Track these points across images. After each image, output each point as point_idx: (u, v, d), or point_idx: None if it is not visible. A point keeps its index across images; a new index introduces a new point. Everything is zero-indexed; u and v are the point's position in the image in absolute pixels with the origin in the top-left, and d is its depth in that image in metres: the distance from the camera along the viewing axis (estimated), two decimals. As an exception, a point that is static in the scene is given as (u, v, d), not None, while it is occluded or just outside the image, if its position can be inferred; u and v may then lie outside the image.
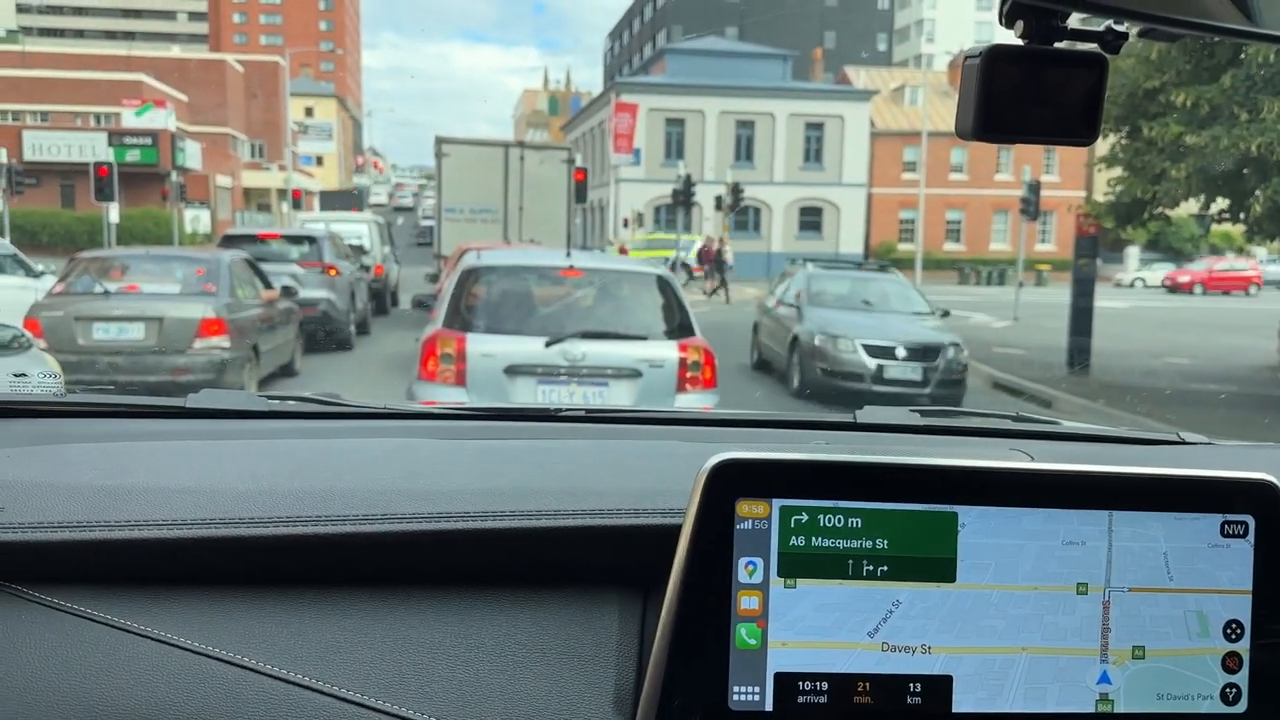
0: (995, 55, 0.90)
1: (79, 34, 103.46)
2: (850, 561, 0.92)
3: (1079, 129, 0.93)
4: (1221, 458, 1.54)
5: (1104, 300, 17.10)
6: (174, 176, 31.73)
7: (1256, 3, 0.90)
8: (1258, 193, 11.31)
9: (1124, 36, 0.91)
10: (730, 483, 0.91)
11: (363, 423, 1.57)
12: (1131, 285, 43.99)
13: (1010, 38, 0.93)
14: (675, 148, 46.22)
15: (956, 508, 0.93)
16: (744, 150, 47.40)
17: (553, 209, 19.69)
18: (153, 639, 0.92)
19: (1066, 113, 0.92)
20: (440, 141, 19.88)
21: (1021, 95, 0.91)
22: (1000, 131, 0.92)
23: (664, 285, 6.92)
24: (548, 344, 6.15)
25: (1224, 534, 0.97)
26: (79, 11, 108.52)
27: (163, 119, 41.09)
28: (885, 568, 0.93)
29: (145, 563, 0.98)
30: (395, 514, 1.01)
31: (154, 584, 0.97)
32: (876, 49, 72.94)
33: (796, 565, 0.91)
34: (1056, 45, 0.91)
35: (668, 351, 6.40)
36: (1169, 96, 11.34)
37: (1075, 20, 0.90)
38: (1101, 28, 0.91)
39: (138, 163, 37.77)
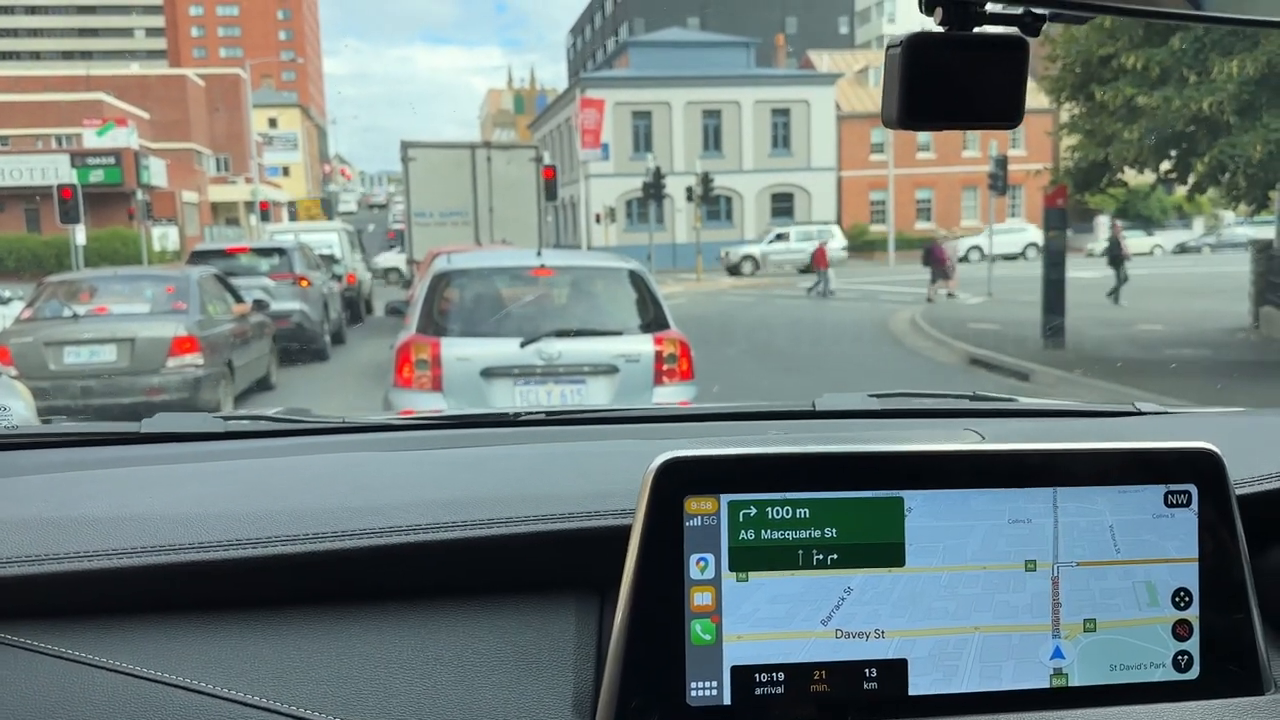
0: (915, 43, 0.90)
1: (35, 56, 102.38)
2: (800, 552, 0.93)
3: (1003, 112, 0.94)
4: (1172, 426, 1.55)
5: (1076, 271, 17.22)
6: (139, 195, 31.40)
7: None
8: (1203, 153, 11.45)
9: (1042, 19, 0.92)
10: (677, 481, 0.91)
11: (318, 439, 1.56)
12: (1102, 255, 44.25)
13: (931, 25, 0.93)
14: (643, 141, 46.18)
15: (902, 493, 0.94)
16: (712, 140, 47.41)
17: (523, 209, 19.64)
18: (107, 669, 0.92)
19: (989, 96, 0.93)
20: (406, 146, 19.78)
21: (944, 81, 0.91)
22: (925, 119, 0.93)
23: (636, 279, 6.92)
24: (523, 344, 6.14)
25: (1168, 504, 0.98)
26: (34, 33, 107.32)
27: (125, 137, 40.66)
28: (835, 556, 0.93)
29: (96, 593, 0.97)
30: (343, 531, 1.00)
31: (106, 614, 0.97)
32: (838, 32, 73.10)
33: (747, 559, 0.92)
34: (976, 30, 0.91)
35: (643, 345, 6.40)
36: (1122, 61, 11.47)
37: (994, 5, 0.91)
38: (1019, 11, 0.92)
39: (102, 183, 37.40)
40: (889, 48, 0.92)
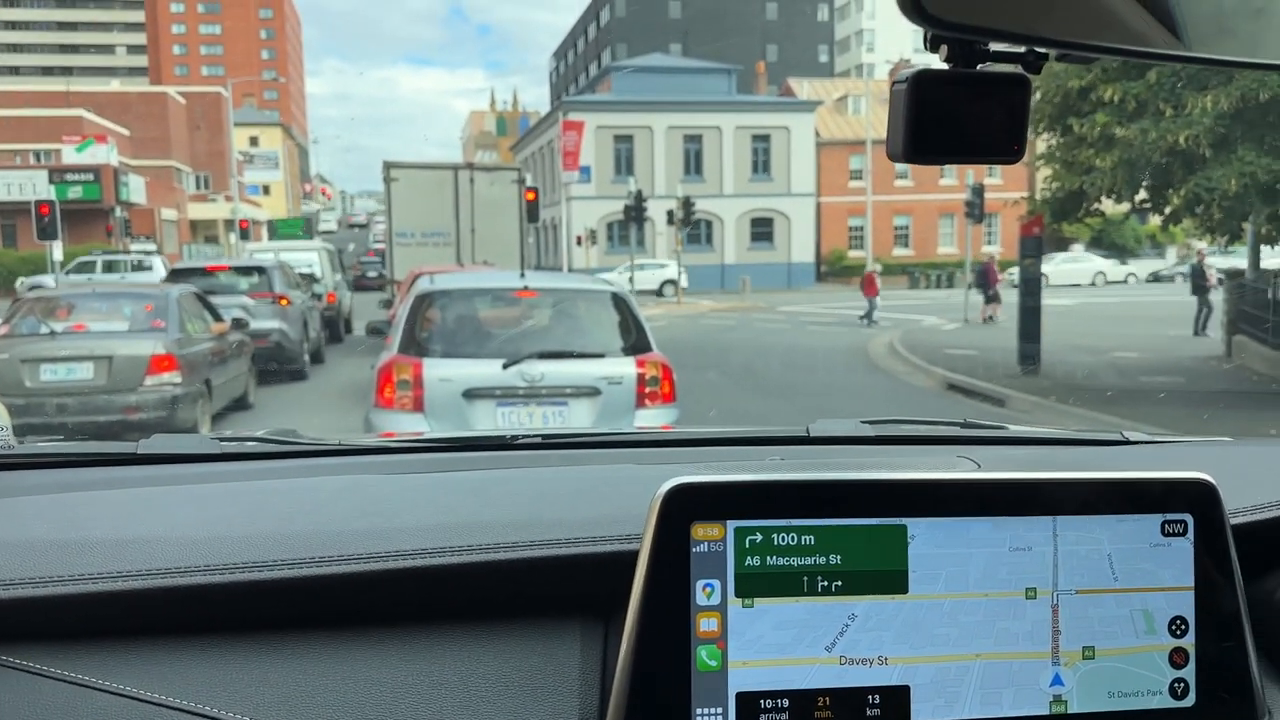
0: (921, 80, 0.92)
1: (14, 71, 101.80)
2: (805, 578, 0.94)
3: (1005, 147, 0.96)
4: (1164, 456, 1.58)
5: (1051, 298, 17.38)
6: (118, 212, 31.32)
7: (1183, 22, 0.92)
8: (1178, 185, 11.62)
9: (1045, 57, 0.94)
10: (684, 507, 0.92)
11: (317, 460, 1.56)
12: (1076, 283, 44.67)
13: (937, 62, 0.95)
14: (625, 164, 46.36)
15: (905, 520, 0.95)
16: (693, 164, 47.66)
17: (505, 230, 19.66)
18: (114, 693, 0.92)
19: (992, 132, 0.95)
20: (389, 166, 19.79)
21: (948, 117, 0.93)
22: (930, 153, 0.94)
23: (619, 302, 6.93)
24: (505, 366, 6.13)
25: (1164, 533, 1.00)
26: (14, 49, 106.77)
27: (104, 154, 40.44)
28: (840, 583, 0.94)
29: (102, 616, 0.97)
30: (350, 554, 1.01)
31: (110, 637, 0.97)
32: (818, 60, 73.81)
33: (753, 585, 0.93)
34: (979, 67, 0.93)
35: (626, 368, 6.41)
36: (1099, 94, 11.64)
37: (997, 43, 0.93)
38: (1022, 49, 0.94)
39: (80, 199, 37.13)
40: (894, 83, 0.94)
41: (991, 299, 23.27)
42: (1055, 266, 43.40)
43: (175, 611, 0.98)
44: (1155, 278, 45.56)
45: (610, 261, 40.82)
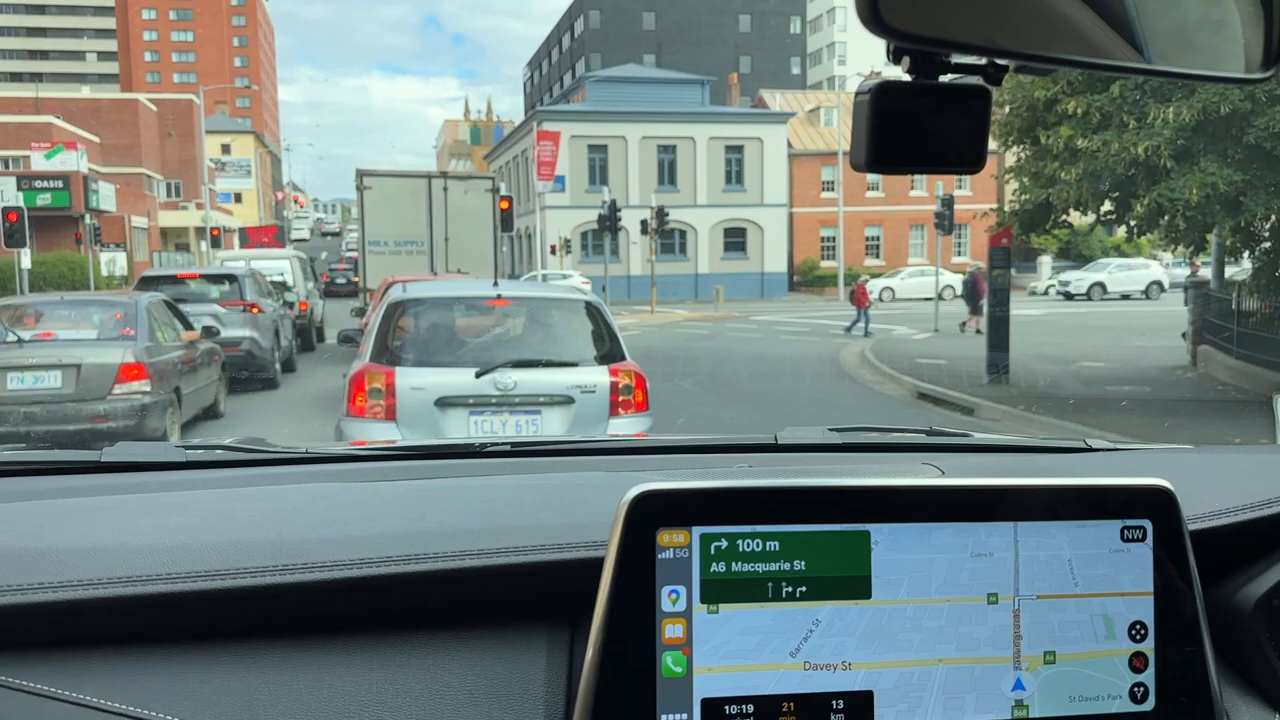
0: (884, 91, 0.93)
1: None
2: (770, 584, 0.94)
3: (966, 158, 0.97)
4: (1125, 464, 1.59)
5: (1020, 308, 17.53)
6: (87, 219, 30.96)
7: (1143, 35, 0.94)
8: (1142, 196, 11.75)
9: (1004, 69, 0.95)
10: (650, 513, 0.92)
11: (283, 469, 1.55)
12: (1045, 293, 45.07)
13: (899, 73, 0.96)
14: (599, 174, 46.41)
15: (869, 526, 0.96)
16: (667, 174, 47.78)
17: (479, 238, 19.62)
18: (73, 703, 0.91)
19: (954, 143, 0.96)
20: (361, 174, 19.71)
21: (910, 128, 0.94)
22: (892, 163, 0.95)
23: (592, 311, 6.93)
24: (478, 374, 6.11)
25: (1124, 539, 1.01)
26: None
27: (74, 161, 39.96)
28: (804, 588, 0.95)
29: (60, 625, 0.96)
30: (314, 563, 1.00)
31: (70, 646, 0.96)
32: (790, 72, 74.27)
33: (718, 591, 0.93)
34: (941, 79, 0.94)
35: (599, 377, 6.40)
36: (1064, 106, 11.78)
37: (958, 55, 0.94)
38: (983, 61, 0.95)
39: (49, 206, 36.65)
40: (858, 94, 0.95)
41: (977, 310, 23.42)
42: (902, 280, 41.43)
43: (137, 620, 0.98)
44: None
45: (585, 271, 40.77)
